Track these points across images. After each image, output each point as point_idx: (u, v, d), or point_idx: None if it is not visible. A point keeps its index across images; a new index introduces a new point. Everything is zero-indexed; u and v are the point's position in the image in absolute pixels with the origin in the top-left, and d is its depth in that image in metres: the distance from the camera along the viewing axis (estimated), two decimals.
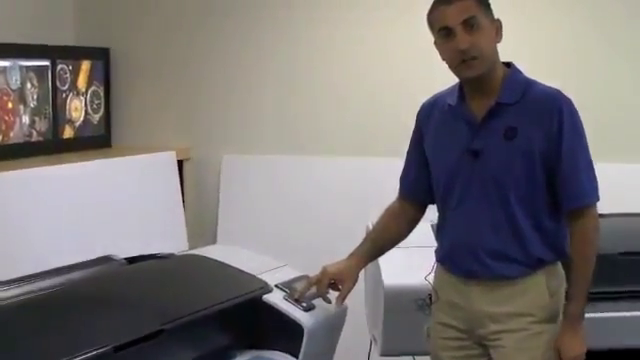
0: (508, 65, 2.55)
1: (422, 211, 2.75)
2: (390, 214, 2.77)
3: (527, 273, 2.49)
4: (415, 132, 2.70)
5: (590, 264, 2.47)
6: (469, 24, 2.43)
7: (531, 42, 4.25)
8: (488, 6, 2.49)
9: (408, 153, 2.74)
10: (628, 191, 3.95)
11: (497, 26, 2.49)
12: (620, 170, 4.13)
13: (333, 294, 2.77)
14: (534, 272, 2.49)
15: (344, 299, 2.74)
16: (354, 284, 2.74)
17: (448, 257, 2.60)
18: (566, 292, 2.52)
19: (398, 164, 2.79)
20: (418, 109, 2.71)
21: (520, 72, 2.55)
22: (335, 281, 2.73)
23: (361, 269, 2.77)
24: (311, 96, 4.75)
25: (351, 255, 2.76)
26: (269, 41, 4.78)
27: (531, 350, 2.49)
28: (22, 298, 2.57)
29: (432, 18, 2.51)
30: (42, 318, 2.43)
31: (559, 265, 2.55)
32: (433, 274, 2.70)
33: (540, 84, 2.53)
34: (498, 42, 2.50)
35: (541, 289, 2.50)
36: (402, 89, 4.48)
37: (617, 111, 4.36)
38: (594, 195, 2.48)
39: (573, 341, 2.47)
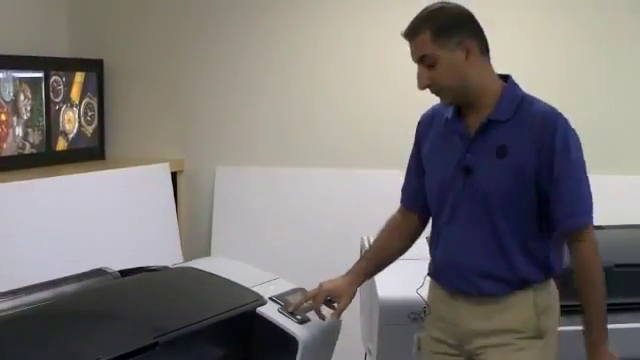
0: (506, 79, 2.50)
1: (424, 223, 2.71)
2: (392, 226, 2.73)
3: (512, 291, 2.45)
4: (415, 143, 2.67)
5: (597, 288, 2.41)
6: (425, 61, 2.42)
7: (520, 54, 4.24)
8: (447, 32, 2.40)
9: (409, 164, 2.71)
10: (623, 203, 3.93)
11: (466, 49, 2.40)
12: (614, 181, 4.12)
13: (327, 310, 2.74)
14: (520, 290, 2.45)
15: (339, 315, 2.72)
16: (351, 300, 2.71)
17: (438, 272, 2.59)
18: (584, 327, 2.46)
19: (396, 176, 2.77)
20: (418, 120, 2.68)
21: (517, 87, 2.49)
22: (331, 298, 2.70)
23: (358, 286, 2.74)
24: (306, 107, 4.75)
25: (348, 272, 2.73)
26: (263, 52, 4.78)
27: None
28: (14, 311, 2.54)
29: None
30: (34, 332, 2.41)
31: (550, 283, 2.50)
32: (425, 287, 2.67)
33: (536, 101, 2.47)
34: (473, 64, 2.41)
35: (527, 306, 2.45)
36: (400, 100, 4.47)
37: (610, 122, 4.35)
38: (587, 217, 2.42)
39: None
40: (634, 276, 3.06)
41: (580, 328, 2.42)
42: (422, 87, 2.45)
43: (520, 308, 2.45)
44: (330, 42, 4.68)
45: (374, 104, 4.63)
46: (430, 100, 2.68)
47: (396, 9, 4.49)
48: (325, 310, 2.74)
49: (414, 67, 2.45)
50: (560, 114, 2.43)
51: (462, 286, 2.49)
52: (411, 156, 2.69)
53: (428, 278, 2.66)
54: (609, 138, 4.32)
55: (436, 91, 2.46)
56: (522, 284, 2.44)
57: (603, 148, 4.18)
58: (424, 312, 2.67)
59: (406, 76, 4.48)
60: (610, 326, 2.73)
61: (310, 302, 2.73)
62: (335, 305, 2.70)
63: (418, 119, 2.68)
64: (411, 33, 2.44)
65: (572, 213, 2.40)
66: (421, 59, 2.43)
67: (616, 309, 2.84)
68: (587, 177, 2.43)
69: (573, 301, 2.40)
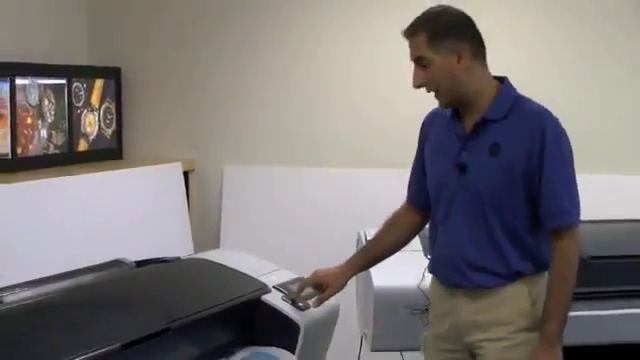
0: (502, 80, 2.46)
1: (425, 219, 2.64)
2: (392, 220, 2.68)
3: (506, 283, 2.39)
4: (419, 139, 2.62)
5: (566, 284, 2.35)
6: (420, 62, 2.40)
7: (509, 54, 4.20)
8: (441, 37, 2.37)
9: (413, 162, 2.65)
10: (602, 201, 3.89)
11: (458, 54, 2.37)
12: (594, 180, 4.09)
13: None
14: (513, 282, 2.40)
15: (321, 303, 2.70)
16: (337, 291, 2.68)
17: (436, 268, 2.54)
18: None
19: (395, 175, 2.73)
20: (422, 120, 2.63)
21: (512, 88, 2.45)
22: (321, 285, 2.68)
23: (349, 277, 2.69)
24: (312, 107, 4.72)
25: (346, 261, 2.70)
26: (267, 59, 4.77)
27: None
28: (39, 298, 2.55)
29: None
30: (54, 317, 2.42)
31: (543, 275, 2.42)
32: (425, 281, 2.61)
33: (529, 102, 2.43)
34: (466, 68, 2.37)
35: (522, 297, 2.40)
36: (398, 102, 4.43)
37: (591, 123, 4.30)
38: (574, 216, 2.36)
39: None
40: (607, 267, 3.05)
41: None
42: (416, 86, 2.43)
43: (514, 298, 2.39)
44: (328, 49, 4.66)
45: (374, 106, 4.58)
46: (428, 100, 2.64)
47: (395, 12, 4.45)
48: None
49: (410, 69, 2.43)
50: (551, 114, 2.39)
51: (458, 280, 2.44)
52: (416, 155, 2.63)
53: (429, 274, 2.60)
54: (589, 138, 4.24)
55: (432, 91, 2.43)
56: (516, 277, 2.39)
57: (590, 148, 4.06)
58: (426, 309, 2.60)
59: (402, 78, 4.37)
60: (586, 313, 2.73)
61: (309, 289, 2.71)
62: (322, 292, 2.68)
63: (423, 119, 2.62)
64: (409, 33, 2.42)
65: (560, 211, 2.34)
66: (417, 60, 2.41)
67: (591, 297, 2.84)
68: (575, 177, 2.38)
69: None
